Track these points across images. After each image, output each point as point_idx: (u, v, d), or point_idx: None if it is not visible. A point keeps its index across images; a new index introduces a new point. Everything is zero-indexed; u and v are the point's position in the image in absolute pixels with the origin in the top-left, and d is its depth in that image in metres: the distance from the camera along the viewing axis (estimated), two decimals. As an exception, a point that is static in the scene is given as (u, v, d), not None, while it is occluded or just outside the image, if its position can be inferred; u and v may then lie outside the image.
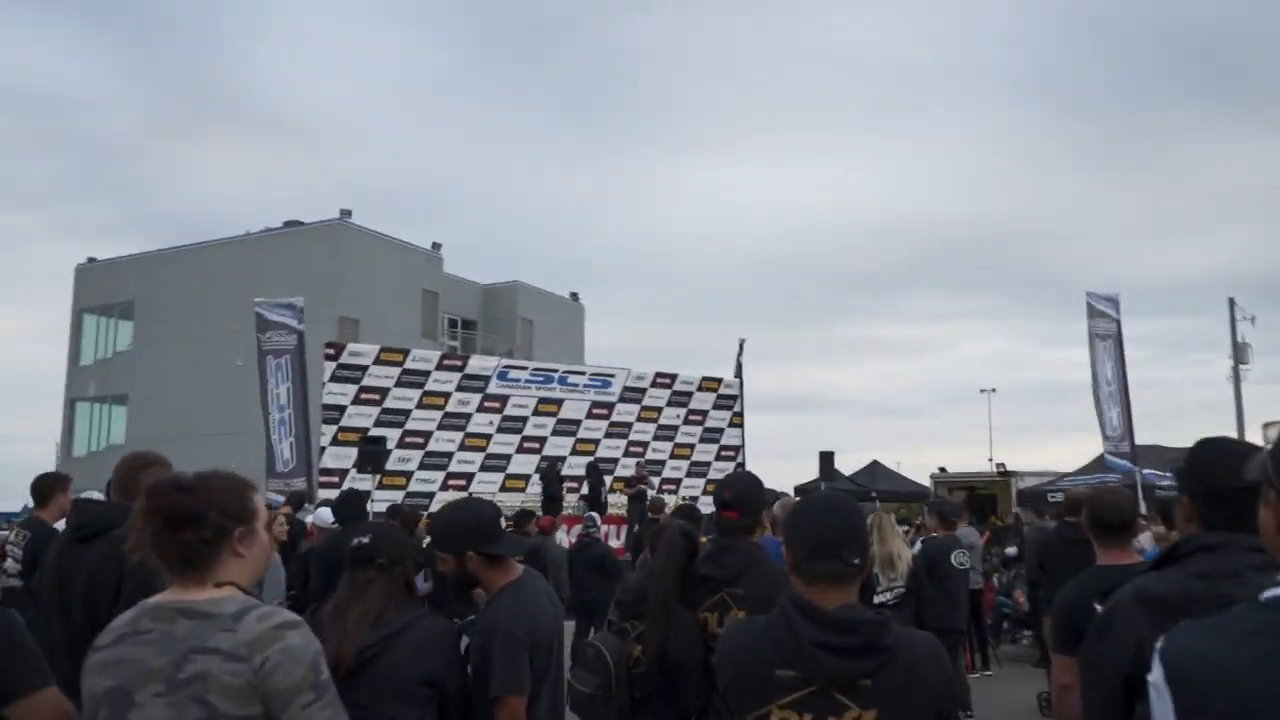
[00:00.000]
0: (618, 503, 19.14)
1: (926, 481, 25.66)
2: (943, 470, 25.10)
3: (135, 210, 68.06)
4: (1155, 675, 1.41)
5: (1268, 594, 1.39)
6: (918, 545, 9.04)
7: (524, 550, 3.19)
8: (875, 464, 27.47)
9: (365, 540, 2.84)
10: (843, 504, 2.24)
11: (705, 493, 20.18)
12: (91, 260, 40.96)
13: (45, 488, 6.20)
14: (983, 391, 52.22)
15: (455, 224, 74.63)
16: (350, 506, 7.51)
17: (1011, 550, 14.70)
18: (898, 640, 2.05)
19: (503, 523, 3.24)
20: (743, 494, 3.56)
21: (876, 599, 7.22)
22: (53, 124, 66.31)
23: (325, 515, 8.13)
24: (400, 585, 2.81)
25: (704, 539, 3.93)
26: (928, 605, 7.48)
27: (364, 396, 18.46)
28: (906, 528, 13.79)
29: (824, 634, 2.01)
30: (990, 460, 36.40)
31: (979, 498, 22.01)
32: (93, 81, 69.49)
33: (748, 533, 3.52)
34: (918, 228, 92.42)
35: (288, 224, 37.09)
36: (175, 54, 68.59)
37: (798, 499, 2.33)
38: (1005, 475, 22.79)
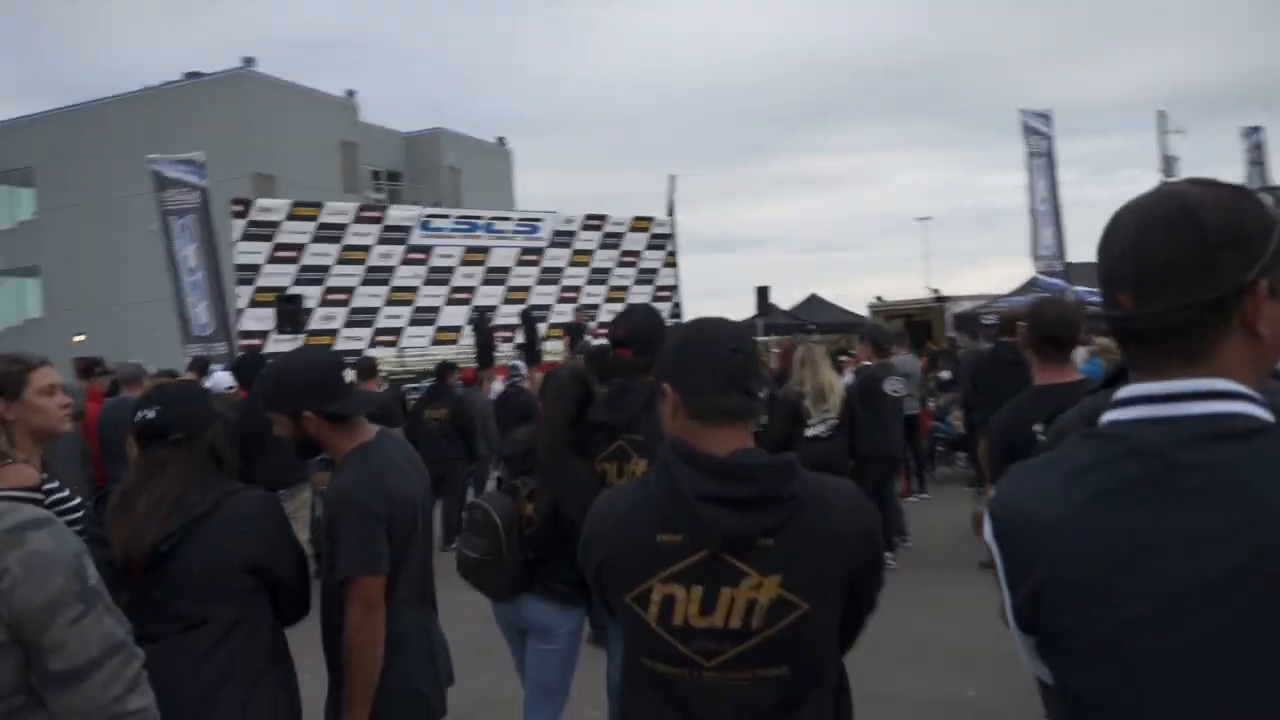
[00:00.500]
0: (555, 350, 18.77)
1: (865, 312, 25.63)
2: (880, 300, 25.03)
3: (33, 72, 63.68)
4: (987, 531, 1.17)
5: (1105, 417, 1.12)
6: (849, 375, 8.82)
7: (371, 406, 2.72)
8: (813, 297, 27.32)
9: (152, 414, 2.32)
10: (740, 327, 1.85)
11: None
12: (-19, 124, 38.26)
13: None
14: (918, 220, 52.24)
15: (372, 73, 71.14)
16: (252, 368, 6.93)
17: (946, 374, 14.67)
18: (806, 488, 1.65)
19: (346, 375, 2.70)
20: (639, 329, 3.11)
21: (809, 431, 6.98)
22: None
23: (223, 380, 7.61)
24: (202, 460, 2.34)
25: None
26: (861, 435, 7.27)
27: (279, 254, 17.56)
28: (847, 358, 13.67)
29: (713, 484, 1.61)
30: (927, 288, 36.65)
31: (916, 325, 21.95)
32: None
33: (645, 372, 3.09)
34: (845, 58, 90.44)
35: (189, 76, 34.77)
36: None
37: (690, 323, 1.89)
38: (940, 301, 22.78)
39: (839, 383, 7.05)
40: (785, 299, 26.77)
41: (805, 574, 1.63)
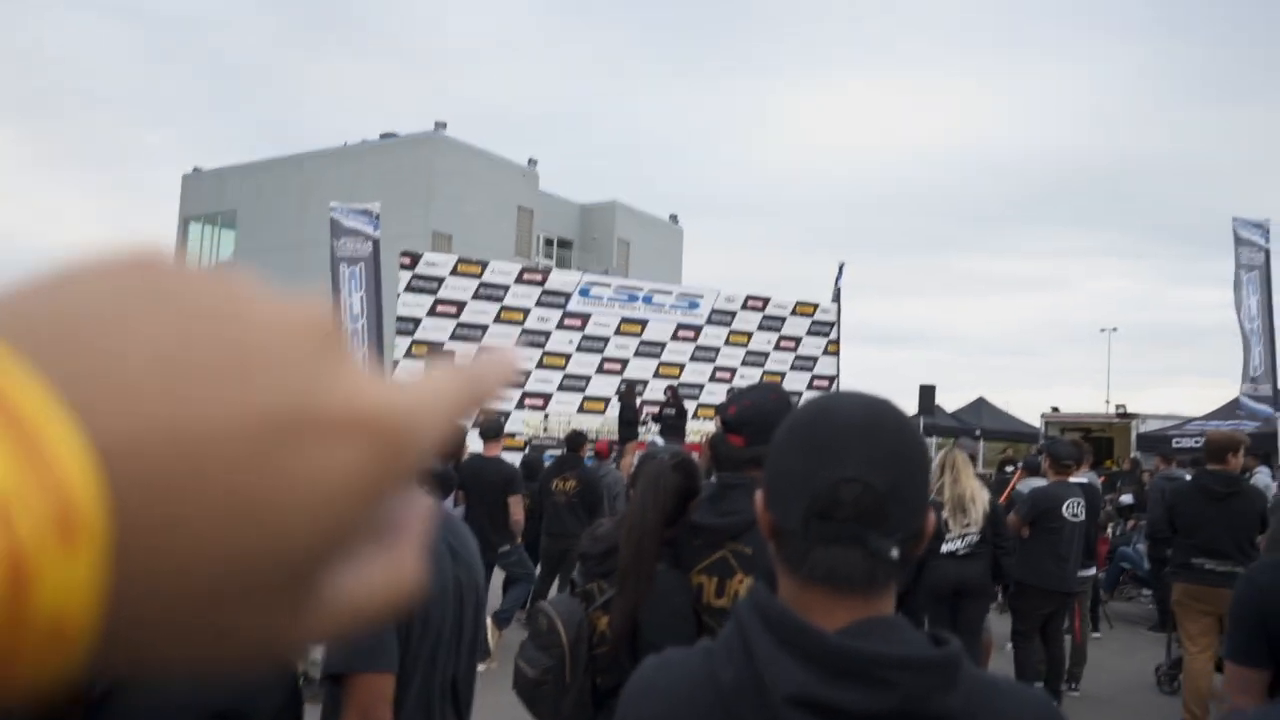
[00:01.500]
0: (702, 430, 18.15)
1: (1036, 422, 23.92)
2: (1055, 410, 23.33)
3: (247, 124, 69.25)
4: None
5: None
6: (1024, 488, 7.84)
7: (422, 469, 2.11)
8: (980, 401, 25.75)
9: None
10: (879, 417, 1.06)
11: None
12: (197, 170, 41.40)
13: None
14: (1103, 331, 49.22)
15: (554, 144, 73.76)
16: None
17: (1127, 498, 13.28)
18: (972, 699, 0.98)
19: None
20: (753, 411, 2.46)
21: (945, 547, 6.13)
22: (180, 42, 67.76)
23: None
24: None
25: None
26: (1010, 557, 6.40)
27: (440, 309, 17.78)
28: (1012, 468, 12.51)
29: (816, 681, 0.95)
30: (1108, 402, 34.18)
31: (1094, 440, 20.24)
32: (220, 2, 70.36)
33: (759, 466, 2.44)
34: (1037, 161, 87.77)
35: (384, 136, 36.62)
36: (286, -33, 68.79)
37: (808, 405, 1.17)
38: (1125, 417, 20.96)
39: (982, 494, 6.25)
40: (951, 401, 25.37)
41: None
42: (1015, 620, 6.70)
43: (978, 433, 24.23)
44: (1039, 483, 7.30)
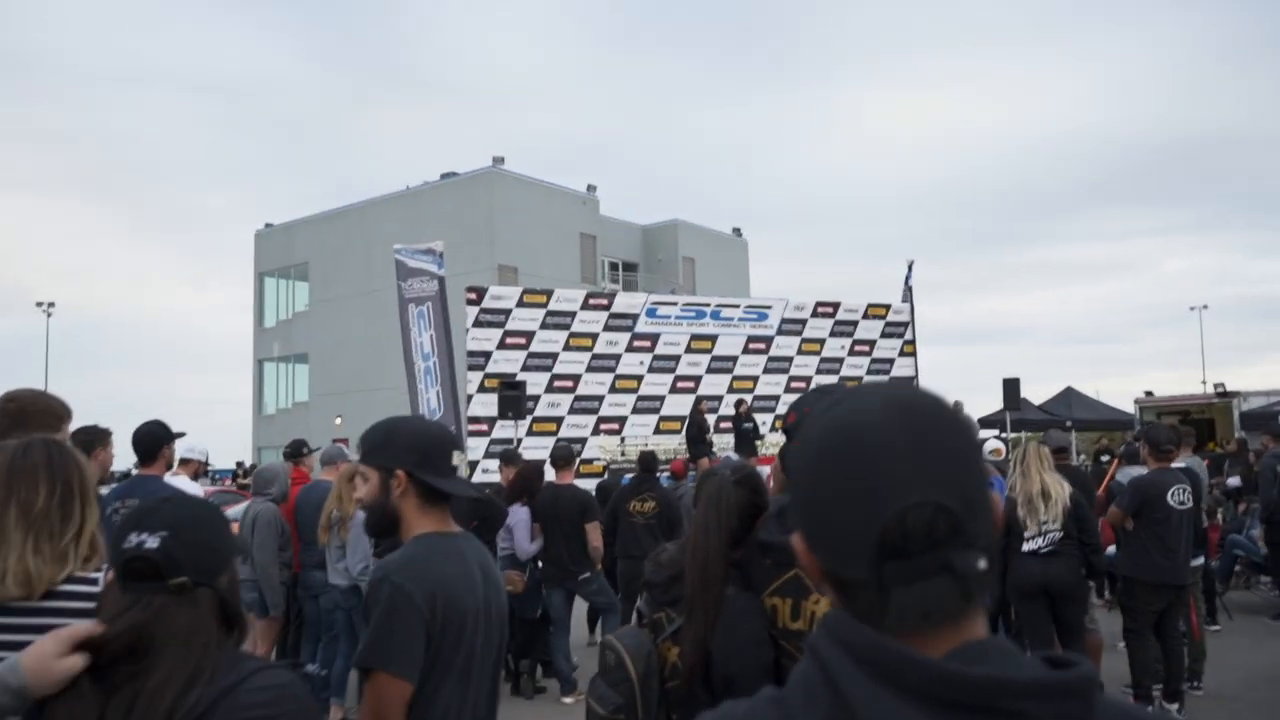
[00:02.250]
0: (777, 442, 17.84)
1: (1130, 408, 23.02)
2: (1149, 394, 22.40)
3: (310, 178, 71.16)
4: None
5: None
6: (1122, 478, 7.44)
7: (469, 493, 2.55)
8: (1069, 390, 24.90)
9: (154, 542, 1.56)
10: (915, 414, 0.88)
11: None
12: (269, 225, 42.51)
13: (85, 444, 5.54)
14: (1192, 309, 47.45)
15: (612, 168, 74.12)
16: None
17: (1234, 481, 12.61)
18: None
19: (456, 458, 2.34)
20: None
21: (1026, 546, 5.88)
22: (244, 109, 70.18)
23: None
24: (209, 621, 1.57)
25: None
26: (1098, 555, 6.15)
27: (509, 341, 17.81)
28: (1108, 458, 11.99)
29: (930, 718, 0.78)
30: (1204, 382, 32.83)
31: (1194, 423, 19.36)
32: (267, 65, 72.69)
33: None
34: (1106, 143, 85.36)
35: (444, 176, 37.17)
36: (346, 35, 70.71)
37: (832, 415, 0.90)
38: (1225, 396, 19.99)
39: (1061, 489, 5.98)
40: (1037, 394, 24.61)
41: None
42: (1126, 618, 6.32)
43: (1069, 424, 23.43)
44: (1138, 471, 6.91)
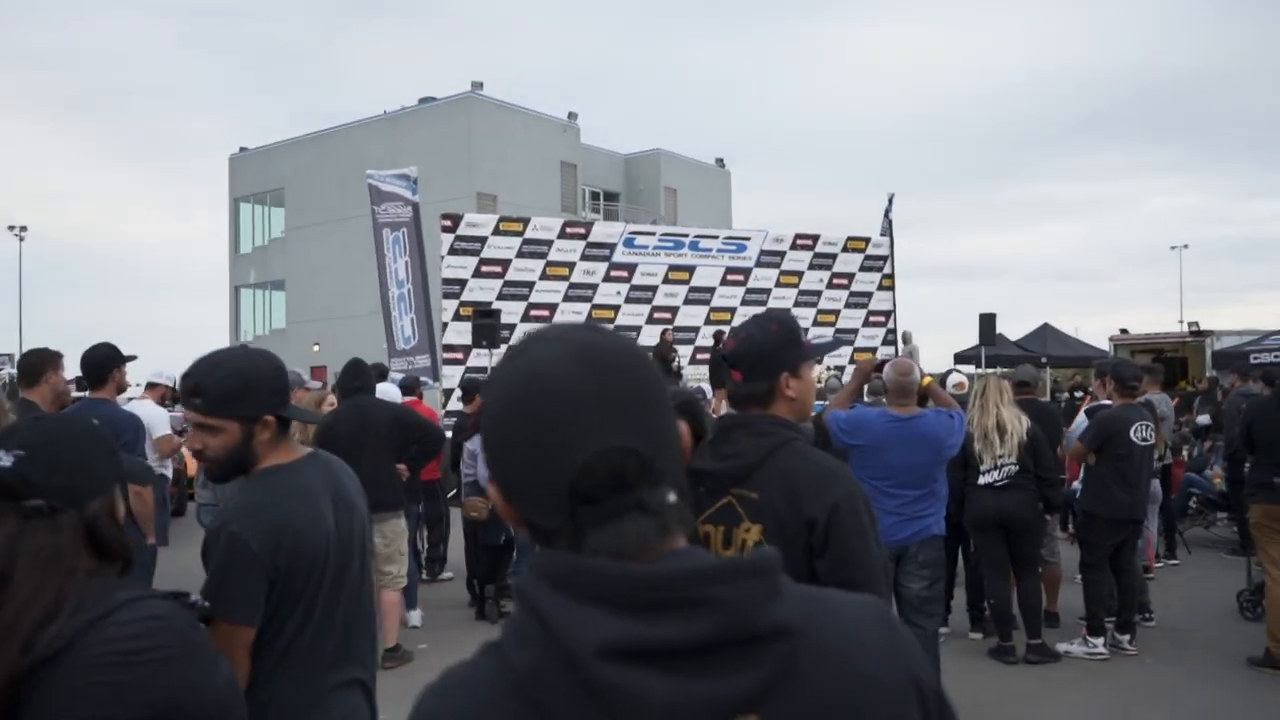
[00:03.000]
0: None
1: (1106, 346, 23.16)
2: (1123, 332, 22.51)
3: (288, 102, 69.71)
4: None
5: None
6: (1080, 416, 7.46)
7: (307, 418, 2.50)
8: (1045, 327, 25.01)
9: (8, 460, 1.49)
10: (594, 354, 0.87)
11: (852, 362, 18.57)
12: (243, 149, 41.73)
13: (34, 366, 5.41)
14: (1173, 249, 47.55)
15: (595, 97, 72.97)
16: (355, 378, 6.38)
17: (1204, 419, 12.72)
18: (806, 610, 0.85)
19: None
20: (752, 344, 2.20)
21: (982, 479, 5.95)
22: (223, 31, 68.39)
23: (391, 392, 7.23)
24: (76, 544, 1.48)
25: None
26: (1054, 489, 6.26)
27: (485, 269, 17.60)
28: (1081, 394, 12.04)
29: (630, 622, 0.78)
30: (1181, 322, 33.00)
31: (1166, 361, 19.49)
32: (242, -27, 70.63)
33: (761, 404, 2.18)
34: (1094, 80, 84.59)
35: (421, 101, 36.48)
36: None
37: (504, 365, 0.91)
38: (1199, 335, 20.10)
39: (1018, 422, 6.03)
40: (1015, 330, 24.69)
41: None
42: (1084, 551, 6.38)
43: (1043, 360, 23.56)
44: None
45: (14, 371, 9.44)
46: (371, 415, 6.11)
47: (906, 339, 19.22)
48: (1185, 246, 48.07)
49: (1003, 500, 5.97)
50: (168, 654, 1.42)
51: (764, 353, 2.16)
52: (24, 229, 39.28)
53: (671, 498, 0.85)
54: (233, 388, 2.09)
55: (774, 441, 2.12)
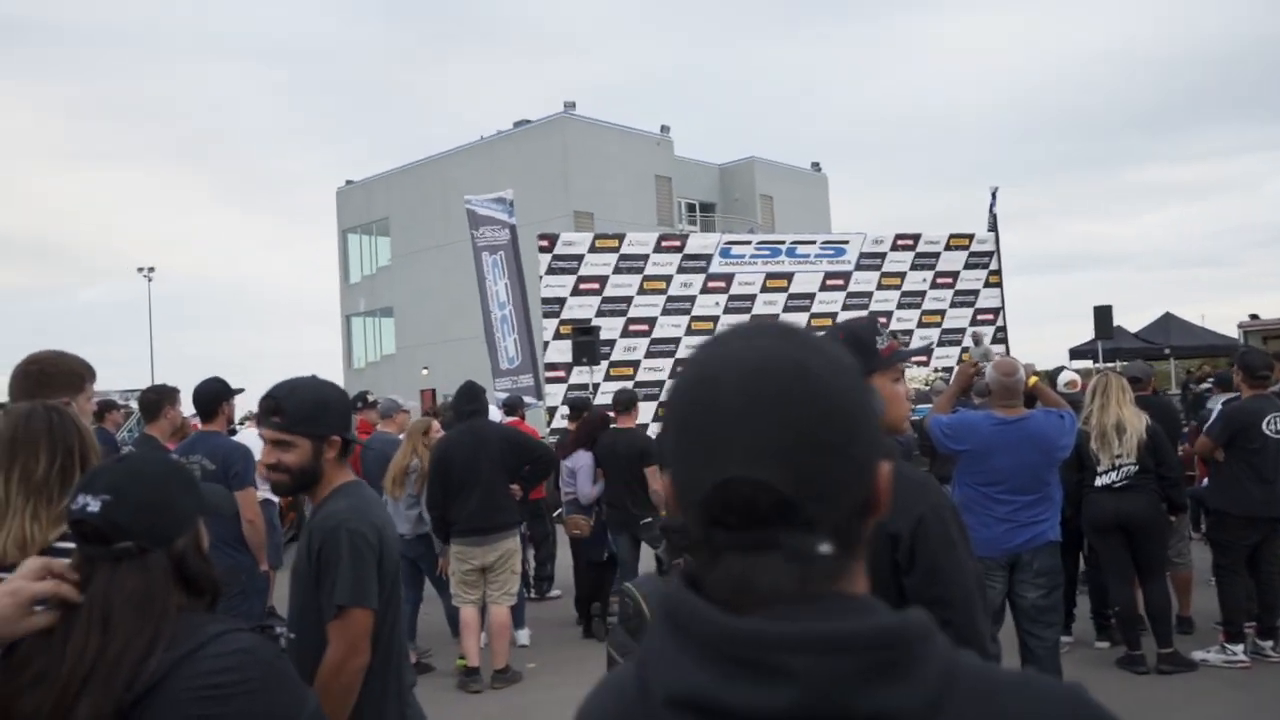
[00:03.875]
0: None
1: (1235, 334, 21.97)
2: (1254, 318, 21.32)
3: (390, 135, 71.95)
4: None
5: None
6: (1216, 407, 7.05)
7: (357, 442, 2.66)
8: (1168, 316, 23.85)
9: (95, 505, 1.50)
10: (767, 379, 0.77)
11: (960, 361, 18.04)
12: (349, 182, 43.13)
13: (154, 403, 5.66)
14: (1304, 225, 44.80)
15: (686, 108, 73.10)
16: (469, 401, 6.46)
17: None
18: (946, 697, 0.71)
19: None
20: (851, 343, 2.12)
21: (1099, 480, 5.65)
22: (321, 72, 71.13)
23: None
24: (163, 585, 1.51)
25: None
26: (1177, 488, 5.97)
27: (582, 286, 17.73)
28: (1209, 385, 11.43)
29: (710, 677, 0.73)
30: (1316, 303, 31.07)
31: (1302, 347, 18.34)
32: (335, 27, 73.33)
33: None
34: (1198, 58, 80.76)
35: (516, 124, 37.09)
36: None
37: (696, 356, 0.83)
38: (1337, 318, 18.90)
39: (1138, 420, 5.72)
40: (1133, 321, 23.65)
41: None
42: (1216, 553, 6.01)
43: (1167, 351, 22.49)
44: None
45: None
46: (485, 438, 6.22)
47: (977, 340, 18.49)
48: (1318, 224, 45.26)
49: (1122, 502, 5.68)
50: (256, 685, 1.46)
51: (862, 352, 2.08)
52: (152, 270, 41.55)
53: (824, 549, 0.76)
54: (308, 409, 2.35)
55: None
